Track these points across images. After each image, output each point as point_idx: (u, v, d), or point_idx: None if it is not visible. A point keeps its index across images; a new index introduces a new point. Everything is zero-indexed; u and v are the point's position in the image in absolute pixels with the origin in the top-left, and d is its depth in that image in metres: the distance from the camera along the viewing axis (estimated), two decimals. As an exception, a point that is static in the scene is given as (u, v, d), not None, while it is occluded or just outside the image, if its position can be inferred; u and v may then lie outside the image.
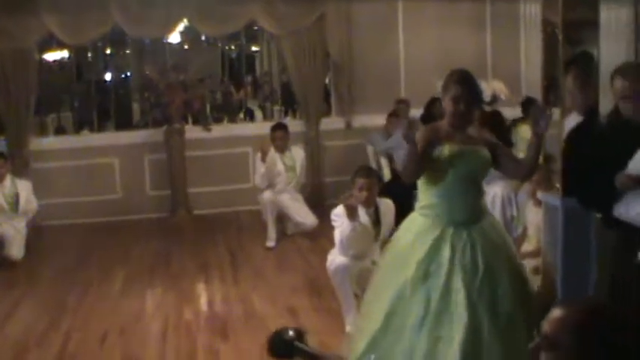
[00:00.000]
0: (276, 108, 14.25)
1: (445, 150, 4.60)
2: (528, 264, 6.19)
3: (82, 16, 10.62)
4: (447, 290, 4.46)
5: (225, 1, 10.77)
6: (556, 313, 2.18)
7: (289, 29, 11.16)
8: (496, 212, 7.50)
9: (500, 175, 5.75)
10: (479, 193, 4.77)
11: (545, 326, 2.19)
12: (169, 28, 11.49)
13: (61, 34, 10.95)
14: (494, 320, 4.40)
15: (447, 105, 4.76)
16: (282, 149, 9.38)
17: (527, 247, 6.63)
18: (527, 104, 9.13)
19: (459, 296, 4.42)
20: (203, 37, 14.91)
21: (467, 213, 4.64)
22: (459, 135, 4.70)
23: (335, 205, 6.14)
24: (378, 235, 6.06)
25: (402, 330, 4.49)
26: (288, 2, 10.96)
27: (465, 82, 4.73)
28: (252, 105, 15.01)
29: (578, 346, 2.11)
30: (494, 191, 7.68)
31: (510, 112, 10.09)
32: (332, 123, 11.58)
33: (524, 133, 8.45)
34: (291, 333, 1.85)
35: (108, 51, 15.46)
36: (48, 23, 10.66)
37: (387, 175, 9.86)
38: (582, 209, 4.84)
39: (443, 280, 4.47)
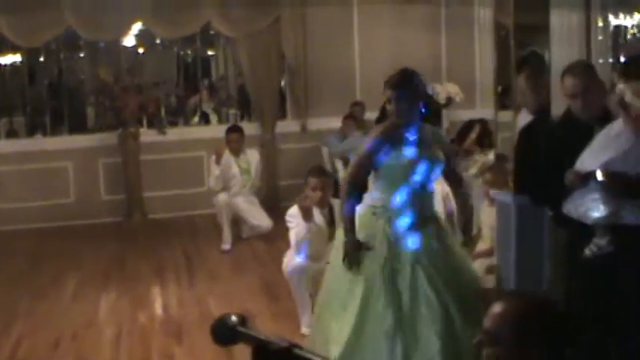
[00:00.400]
0: (232, 112, 14.19)
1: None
2: (482, 263, 6.24)
3: (34, 18, 10.48)
4: (414, 290, 4.50)
5: (180, 3, 10.71)
6: (496, 308, 2.19)
7: (244, 32, 11.14)
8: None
9: None
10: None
11: (486, 322, 2.21)
12: (124, 30, 11.40)
13: (12, 36, 10.80)
14: (462, 315, 4.49)
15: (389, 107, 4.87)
16: (236, 152, 9.35)
17: (482, 246, 6.68)
18: None
19: (428, 294, 4.49)
20: (158, 41, 14.77)
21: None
22: None
23: (289, 208, 6.13)
24: (332, 236, 6.06)
25: (377, 336, 4.50)
26: (243, 5, 10.94)
27: (396, 87, 4.77)
28: (208, 109, 14.90)
29: (518, 340, 2.13)
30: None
31: (465, 114, 10.22)
32: (287, 126, 11.57)
33: None
34: (233, 318, 1.83)
35: (61, 54, 15.26)
36: (-1, 25, 10.54)
37: (342, 177, 9.85)
38: (534, 207, 4.89)
39: (408, 282, 4.50)
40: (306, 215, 5.78)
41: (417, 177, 4.66)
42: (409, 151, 4.68)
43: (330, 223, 6.06)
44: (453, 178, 5.42)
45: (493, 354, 2.18)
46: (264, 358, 1.75)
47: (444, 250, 4.69)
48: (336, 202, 6.12)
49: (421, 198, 4.75)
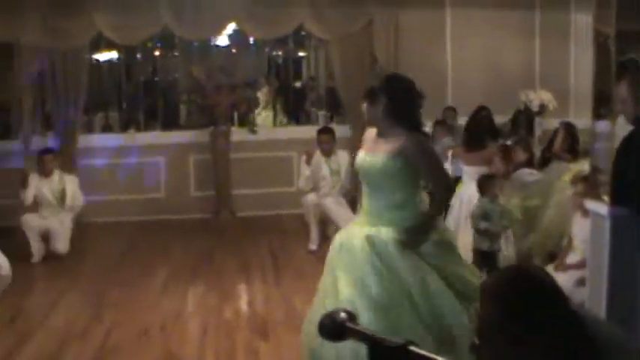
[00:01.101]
0: (322, 113, 14.24)
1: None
2: (572, 275, 6.16)
3: (133, 17, 10.76)
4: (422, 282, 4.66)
5: (274, 4, 10.81)
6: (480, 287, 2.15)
7: (337, 34, 11.19)
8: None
9: None
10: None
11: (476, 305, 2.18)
12: (218, 30, 11.60)
13: (111, 34, 11.10)
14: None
15: None
16: (327, 153, 9.38)
17: (573, 258, 6.58)
18: None
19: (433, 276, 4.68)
20: (251, 41, 14.91)
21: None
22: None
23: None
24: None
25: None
26: (337, 7, 10.99)
27: (367, 97, 4.94)
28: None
29: (502, 314, 2.05)
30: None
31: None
32: (376, 129, 11.55)
33: None
34: (342, 314, 1.84)
35: (157, 52, 15.56)
36: (99, 23, 10.82)
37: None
38: (630, 219, 4.78)
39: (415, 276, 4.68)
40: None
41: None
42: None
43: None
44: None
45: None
46: (380, 355, 1.76)
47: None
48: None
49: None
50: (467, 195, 7.94)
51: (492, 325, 2.08)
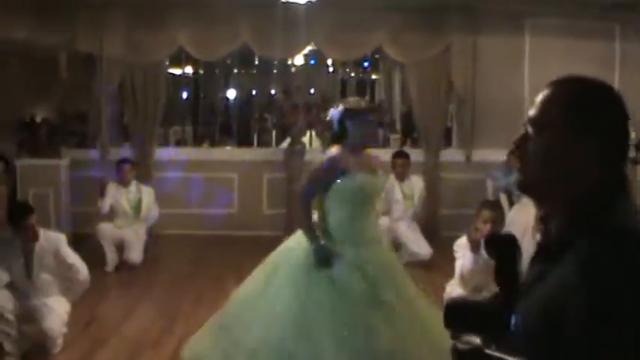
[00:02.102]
0: (394, 136, 14.23)
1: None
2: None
3: (213, 33, 10.93)
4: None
5: (353, 27, 10.86)
6: (541, 96, 2.01)
7: (414, 58, 11.18)
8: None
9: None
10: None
11: (531, 112, 2.04)
12: (297, 50, 11.68)
13: (191, 50, 11.28)
14: None
15: None
16: (401, 177, 9.38)
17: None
18: None
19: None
20: (329, 61, 14.99)
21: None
22: None
23: (454, 237, 6.10)
24: None
25: None
26: (416, 31, 10.99)
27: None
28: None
29: (571, 118, 1.90)
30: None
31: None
32: (452, 155, 11.53)
33: None
34: (477, 340, 1.82)
35: (234, 69, 15.75)
36: (180, 38, 11.00)
37: (506, 212, 9.71)
38: None
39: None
40: (475, 247, 5.74)
41: None
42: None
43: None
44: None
45: (540, 143, 1.97)
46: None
47: None
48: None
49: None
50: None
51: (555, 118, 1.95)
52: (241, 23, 10.87)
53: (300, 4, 6.39)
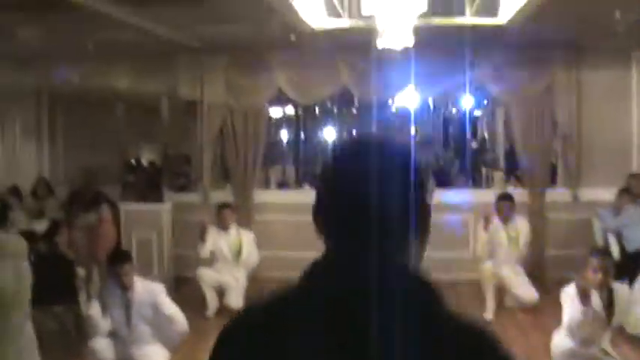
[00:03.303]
0: (498, 174, 13.95)
1: None
2: None
3: (312, 76, 10.93)
4: None
5: (453, 68, 10.68)
6: None
7: (518, 96, 10.94)
8: None
9: None
10: None
11: None
12: (397, 91, 11.58)
13: (291, 93, 11.31)
14: None
15: None
16: (506, 220, 9.13)
17: None
18: None
19: None
20: (430, 100, 14.81)
21: None
22: None
23: (562, 282, 5.85)
24: (610, 321, 5.73)
25: None
26: (519, 68, 10.75)
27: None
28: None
29: None
30: None
31: None
32: (557, 194, 11.17)
33: None
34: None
35: (335, 110, 15.76)
36: (279, 81, 11.04)
37: (615, 253, 9.35)
38: None
39: None
40: (584, 297, 5.49)
41: None
42: None
43: (609, 306, 5.71)
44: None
45: None
46: None
47: None
48: (616, 286, 5.78)
49: None
50: None
51: None
52: (340, 66, 10.84)
53: (396, 50, 6.30)
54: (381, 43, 5.88)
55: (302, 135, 15.86)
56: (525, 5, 6.73)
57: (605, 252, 6.05)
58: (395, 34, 5.77)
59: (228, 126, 11.25)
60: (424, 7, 5.70)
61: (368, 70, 10.23)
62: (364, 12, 5.82)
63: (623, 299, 5.82)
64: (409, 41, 5.93)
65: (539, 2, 6.73)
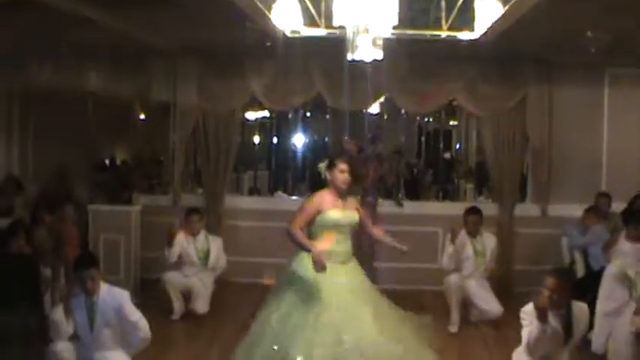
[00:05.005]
0: (469, 186, 14.03)
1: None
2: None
3: (287, 83, 10.92)
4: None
5: (426, 79, 10.74)
6: None
7: (490, 110, 11.00)
8: None
9: None
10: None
11: None
12: (370, 102, 11.61)
13: (264, 99, 11.31)
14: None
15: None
16: (474, 233, 9.18)
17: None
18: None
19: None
20: (403, 110, 14.82)
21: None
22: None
23: (525, 298, 5.88)
24: (568, 339, 5.76)
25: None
26: (491, 83, 10.82)
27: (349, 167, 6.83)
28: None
29: None
30: None
31: None
32: (527, 209, 11.23)
33: None
34: None
35: (308, 114, 15.74)
36: (253, 88, 11.03)
37: (580, 271, 9.43)
38: None
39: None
40: (542, 315, 5.53)
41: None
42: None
43: (567, 326, 5.74)
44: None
45: None
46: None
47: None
48: (575, 306, 5.82)
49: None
50: None
51: None
52: (314, 73, 10.85)
53: (366, 63, 6.32)
54: (350, 55, 5.89)
55: (275, 140, 15.84)
56: (500, 21, 6.77)
57: (561, 272, 6.07)
58: (364, 45, 5.77)
59: (201, 129, 11.22)
60: (395, 20, 5.70)
61: (341, 79, 10.25)
62: (335, 22, 5.81)
63: (583, 318, 5.87)
64: (378, 54, 5.94)
65: (514, 19, 6.78)
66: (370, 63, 6.36)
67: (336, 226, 6.74)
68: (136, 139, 12.84)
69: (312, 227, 6.78)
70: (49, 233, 8.79)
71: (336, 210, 6.74)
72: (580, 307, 5.86)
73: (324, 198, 6.79)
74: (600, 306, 7.81)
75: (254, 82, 11.00)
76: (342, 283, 6.66)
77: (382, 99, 12.31)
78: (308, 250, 6.49)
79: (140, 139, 12.68)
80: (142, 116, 13.51)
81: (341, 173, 6.82)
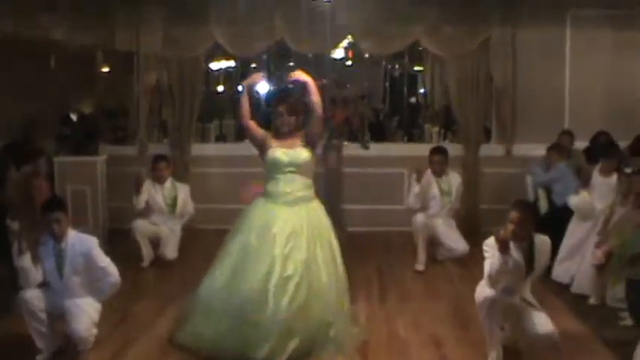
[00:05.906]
0: (435, 130, 14.08)
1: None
2: None
3: (249, 29, 10.87)
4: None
5: (390, 20, 10.73)
6: None
7: (453, 52, 11.03)
8: None
9: None
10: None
11: None
12: (333, 44, 11.59)
13: (227, 46, 11.25)
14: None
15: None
16: (439, 173, 9.28)
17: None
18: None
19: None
20: (367, 55, 14.78)
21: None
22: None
23: (489, 234, 5.97)
24: (530, 271, 5.88)
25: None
26: (454, 25, 10.83)
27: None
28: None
29: None
30: None
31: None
32: (491, 149, 11.35)
33: None
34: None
35: (271, 64, 15.67)
36: (216, 34, 10.99)
37: (543, 207, 9.55)
38: None
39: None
40: (503, 247, 5.63)
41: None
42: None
43: (529, 258, 5.85)
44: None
45: None
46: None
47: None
48: (537, 238, 5.93)
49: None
50: None
51: None
52: (276, 18, 10.80)
53: (328, 1, 6.33)
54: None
55: (240, 89, 15.72)
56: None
57: (523, 204, 6.15)
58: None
59: (165, 78, 11.19)
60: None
61: (303, 23, 10.21)
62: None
63: (545, 251, 5.97)
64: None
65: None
66: (332, 2, 6.36)
67: (276, 166, 6.55)
68: (101, 91, 12.71)
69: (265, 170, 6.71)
70: (20, 187, 8.75)
71: (277, 149, 6.55)
72: (542, 240, 5.96)
73: (269, 136, 6.73)
74: (566, 238, 7.97)
75: (217, 29, 10.93)
76: (277, 223, 6.49)
77: (346, 43, 12.28)
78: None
79: (104, 91, 12.56)
80: (107, 69, 13.36)
81: (277, 118, 6.74)
